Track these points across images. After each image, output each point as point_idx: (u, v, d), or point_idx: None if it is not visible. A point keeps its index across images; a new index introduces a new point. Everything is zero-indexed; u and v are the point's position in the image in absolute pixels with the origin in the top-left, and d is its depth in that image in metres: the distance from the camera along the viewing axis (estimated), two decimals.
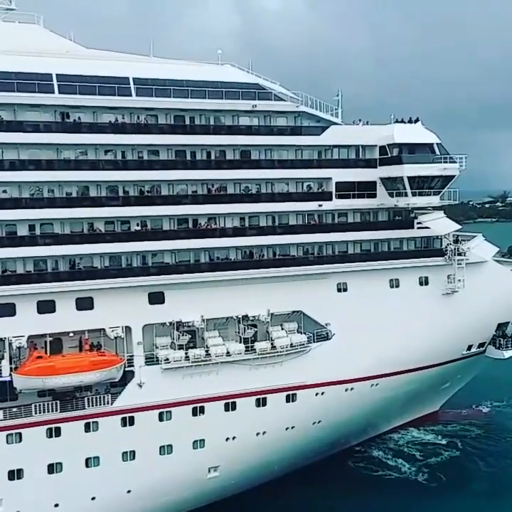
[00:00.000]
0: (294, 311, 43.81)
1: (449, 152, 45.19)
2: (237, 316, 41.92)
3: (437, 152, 45.03)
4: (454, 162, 45.10)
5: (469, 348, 50.94)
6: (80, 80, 37.69)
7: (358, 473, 47.48)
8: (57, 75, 37.46)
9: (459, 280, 47.16)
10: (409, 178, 43.68)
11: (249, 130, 42.33)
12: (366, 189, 45.06)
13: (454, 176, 45.19)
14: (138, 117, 39.86)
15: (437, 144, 45.51)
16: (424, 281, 47.43)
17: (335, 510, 43.31)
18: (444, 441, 52.20)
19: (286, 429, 42.89)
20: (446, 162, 44.47)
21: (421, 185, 44.08)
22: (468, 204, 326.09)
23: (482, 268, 49.30)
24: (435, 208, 52.25)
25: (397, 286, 46.60)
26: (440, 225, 48.06)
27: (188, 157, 41.32)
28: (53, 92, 37.23)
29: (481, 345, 51.82)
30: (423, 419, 56.26)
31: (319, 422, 44.07)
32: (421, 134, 45.84)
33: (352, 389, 44.69)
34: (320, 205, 43.84)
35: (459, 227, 52.41)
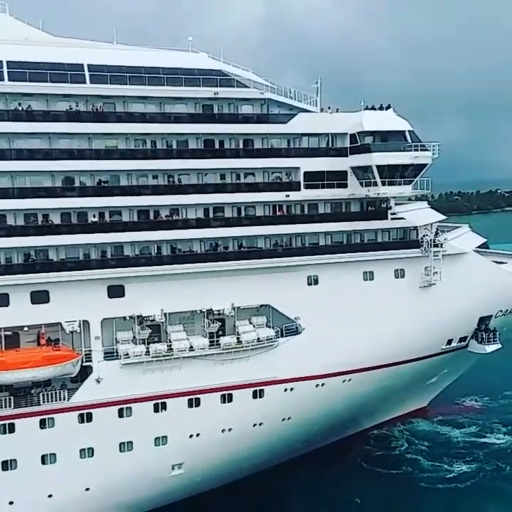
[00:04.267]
0: (262, 305, 42.60)
1: (421, 140, 43.60)
2: (201, 310, 40.81)
3: (409, 140, 43.45)
4: (426, 150, 43.52)
5: (449, 342, 49.36)
6: (32, 66, 36.70)
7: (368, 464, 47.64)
8: (7, 62, 36.51)
9: (436, 272, 45.60)
10: (378, 166, 42.16)
11: (212, 118, 41.15)
12: (336, 179, 43.64)
13: (426, 165, 43.58)
14: (93, 105, 38.77)
15: (409, 131, 43.92)
16: (400, 274, 45.95)
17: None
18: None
19: (254, 425, 41.76)
20: (417, 150, 42.93)
21: (391, 174, 42.56)
22: (497, 192, 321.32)
23: (461, 260, 47.67)
24: (418, 198, 50.89)
25: (372, 278, 45.15)
26: (416, 216, 46.65)
27: (149, 146, 40.24)
28: (3, 80, 36.27)
29: (463, 339, 50.29)
30: (411, 415, 55.16)
31: (289, 418, 42.84)
32: (391, 121, 44.25)
33: (323, 384, 43.35)
34: (287, 196, 42.54)
35: (441, 218, 50.97)
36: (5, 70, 36.43)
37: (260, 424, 41.87)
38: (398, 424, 53.67)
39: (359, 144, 43.37)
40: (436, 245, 45.69)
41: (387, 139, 43.62)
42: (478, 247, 54.23)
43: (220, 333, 41.56)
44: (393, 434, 52.47)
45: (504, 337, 52.30)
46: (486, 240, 58.06)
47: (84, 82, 37.95)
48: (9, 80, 36.41)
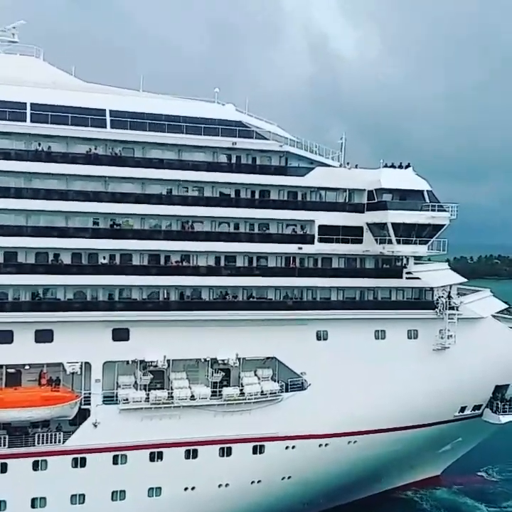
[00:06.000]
0: (267, 358, 41.83)
1: (439, 200, 43.11)
2: (205, 359, 40.21)
3: (427, 200, 43.02)
4: (444, 211, 43.01)
5: (463, 409, 47.60)
6: (54, 109, 37.55)
7: None
8: (31, 104, 37.41)
9: (450, 336, 44.36)
10: (393, 224, 41.72)
11: (229, 167, 41.38)
12: (351, 234, 43.21)
13: (443, 226, 43.01)
14: (112, 149, 39.34)
15: (428, 191, 43.54)
16: (413, 335, 44.80)
17: None
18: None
19: (252, 482, 40.47)
20: (434, 210, 42.39)
21: (407, 232, 42.02)
22: None
23: (478, 325, 46.37)
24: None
25: (383, 338, 44.10)
26: (432, 277, 45.74)
27: (164, 192, 40.50)
28: (25, 121, 37.12)
29: (477, 407, 48.46)
30: (423, 483, 52.97)
31: (289, 477, 41.47)
32: (409, 180, 44.00)
33: (327, 445, 42.00)
34: (300, 248, 42.20)
35: (461, 280, 49.99)
36: (28, 111, 37.24)
37: (258, 482, 40.57)
38: (418, 489, 51.74)
39: (376, 200, 43.07)
40: (451, 308, 44.62)
41: (405, 198, 43.28)
42: (501, 312, 53.01)
43: (225, 383, 40.90)
44: (414, 499, 50.73)
45: None
46: (508, 305, 56.61)
47: (105, 127, 38.62)
48: (31, 121, 37.20)
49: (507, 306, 55.85)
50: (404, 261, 44.83)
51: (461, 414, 47.56)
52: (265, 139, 42.04)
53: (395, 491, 51.11)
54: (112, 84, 42.64)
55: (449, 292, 46.08)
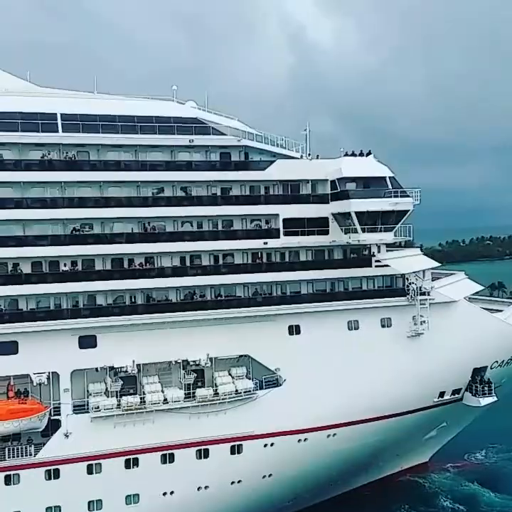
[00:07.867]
0: (240, 356, 41.30)
1: (402, 186, 42.72)
2: (176, 361, 39.62)
3: (389, 186, 42.57)
4: (407, 196, 42.62)
5: (442, 395, 47.27)
6: (3, 116, 36.86)
7: None
8: None
9: (423, 322, 44.03)
10: (357, 213, 41.25)
11: (188, 166, 40.82)
12: (317, 225, 42.74)
13: (407, 211, 42.59)
14: (67, 154, 38.66)
15: (390, 177, 43.02)
16: (386, 323, 44.43)
17: None
18: None
19: (232, 483, 39.89)
20: (397, 196, 42.01)
21: (372, 220, 41.58)
22: None
23: (451, 308, 46.05)
24: (410, 246, 49.69)
25: (357, 328, 43.73)
26: (402, 263, 45.27)
27: (123, 194, 39.84)
28: None
29: (457, 391, 48.15)
30: (412, 470, 52.71)
31: (270, 475, 40.92)
32: (371, 167, 43.53)
33: (306, 440, 41.54)
34: (265, 243, 41.71)
35: (433, 264, 49.42)
36: None
37: (239, 482, 40.01)
38: (413, 475, 52.05)
39: (339, 190, 42.61)
40: (422, 293, 44.27)
41: (368, 186, 42.82)
42: (476, 294, 52.79)
43: (200, 384, 40.34)
44: (418, 482, 51.22)
45: (507, 389, 50.30)
46: (482, 287, 56.37)
47: (57, 131, 37.94)
48: None
49: (482, 287, 55.76)
50: (374, 249, 44.40)
51: (440, 399, 47.20)
52: (223, 134, 41.51)
53: (392, 477, 51.18)
54: (80, 88, 42.38)
55: (408, 278, 44.95)
